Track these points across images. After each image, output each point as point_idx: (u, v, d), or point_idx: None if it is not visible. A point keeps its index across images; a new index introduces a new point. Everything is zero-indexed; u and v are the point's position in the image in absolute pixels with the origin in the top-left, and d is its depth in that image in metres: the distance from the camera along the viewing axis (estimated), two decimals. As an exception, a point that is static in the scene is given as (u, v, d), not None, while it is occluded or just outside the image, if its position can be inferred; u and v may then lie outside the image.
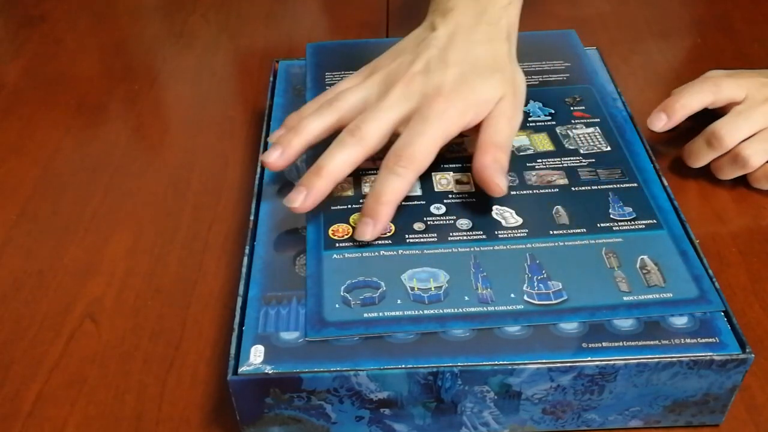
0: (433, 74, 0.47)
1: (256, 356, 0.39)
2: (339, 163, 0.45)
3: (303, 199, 0.44)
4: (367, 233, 0.44)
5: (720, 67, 0.61)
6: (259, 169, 0.51)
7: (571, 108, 0.55)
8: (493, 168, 0.45)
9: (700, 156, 0.56)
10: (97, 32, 0.80)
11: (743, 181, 0.56)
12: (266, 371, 0.38)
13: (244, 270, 0.43)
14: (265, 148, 0.52)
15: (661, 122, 0.55)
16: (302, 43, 0.64)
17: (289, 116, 0.50)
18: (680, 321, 0.40)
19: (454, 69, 0.47)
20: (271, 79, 0.60)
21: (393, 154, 0.45)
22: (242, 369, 0.38)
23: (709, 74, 0.60)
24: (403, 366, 0.38)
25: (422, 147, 0.45)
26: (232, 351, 0.39)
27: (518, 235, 0.45)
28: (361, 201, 0.47)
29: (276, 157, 0.46)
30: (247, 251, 0.44)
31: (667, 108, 0.55)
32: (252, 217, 0.47)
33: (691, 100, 0.55)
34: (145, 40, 0.78)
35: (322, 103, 0.49)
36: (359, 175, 0.49)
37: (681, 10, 0.79)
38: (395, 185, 0.44)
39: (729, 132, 0.53)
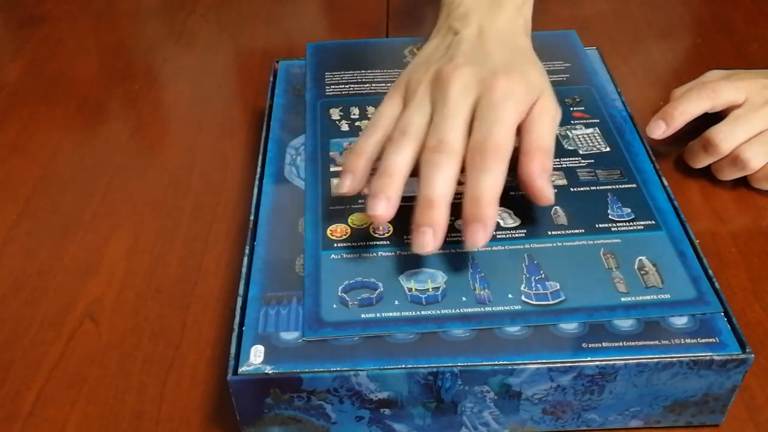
0: (479, 63, 0.45)
1: (256, 356, 0.39)
2: (444, 185, 0.41)
3: (431, 239, 0.41)
4: (481, 239, 0.41)
5: (720, 67, 0.61)
6: (259, 169, 0.51)
7: (571, 108, 0.55)
8: (543, 178, 0.43)
9: (698, 160, 0.56)
10: (97, 32, 0.80)
11: (743, 182, 0.56)
12: (266, 371, 0.38)
13: (244, 270, 0.43)
14: (266, 149, 0.53)
15: (659, 130, 0.55)
16: (302, 43, 0.64)
17: (348, 158, 0.45)
18: (680, 321, 0.40)
19: (498, 56, 0.46)
20: (271, 79, 0.60)
21: (476, 151, 0.42)
22: (242, 369, 0.38)
23: (709, 75, 0.60)
24: (403, 366, 0.38)
25: (503, 135, 0.42)
26: (232, 351, 0.39)
27: (516, 235, 0.45)
28: (360, 201, 0.47)
29: (384, 209, 0.42)
30: (247, 251, 0.44)
31: (665, 116, 0.55)
32: (252, 217, 0.47)
33: (689, 107, 0.55)
34: (145, 40, 0.78)
35: (379, 135, 0.45)
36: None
37: (681, 10, 0.79)
38: (491, 183, 0.41)
39: (725, 138, 0.53)
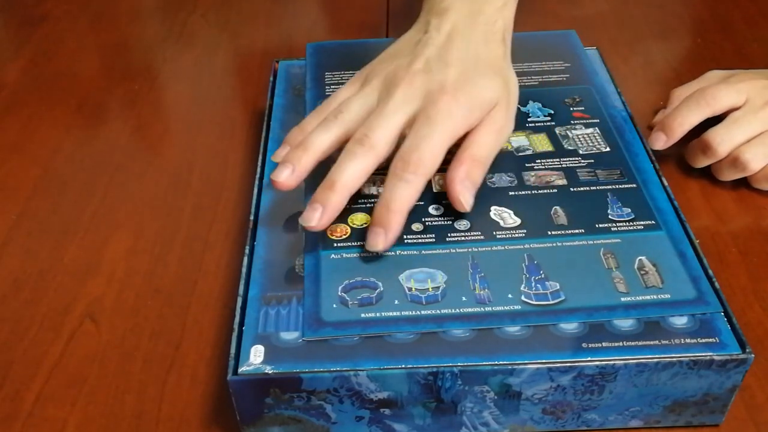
0: (434, 73, 0.46)
1: (256, 356, 0.39)
2: (351, 174, 0.43)
3: (319, 216, 0.43)
4: (380, 243, 0.42)
5: (720, 67, 0.61)
6: (259, 170, 0.51)
7: (571, 108, 0.55)
8: (463, 184, 0.44)
9: (697, 161, 0.56)
10: (97, 32, 0.80)
11: (744, 182, 0.56)
12: (266, 371, 0.38)
13: (244, 270, 0.43)
14: (266, 149, 0.53)
15: (660, 141, 0.55)
16: (302, 43, 0.64)
17: (291, 132, 0.48)
18: (680, 321, 0.40)
19: (456, 68, 0.46)
20: (271, 79, 0.60)
21: (400, 159, 0.43)
22: (242, 369, 0.38)
23: (709, 75, 0.60)
24: (403, 366, 0.38)
25: (429, 151, 0.43)
26: (232, 351, 0.39)
27: (516, 235, 0.45)
28: (359, 201, 0.47)
29: (287, 176, 0.44)
30: (247, 251, 0.44)
31: (665, 128, 0.55)
32: (252, 217, 0.47)
33: (688, 118, 0.55)
34: (145, 40, 0.78)
35: (325, 115, 0.47)
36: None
37: (681, 10, 0.79)
38: (405, 192, 0.43)
39: (722, 141, 0.53)
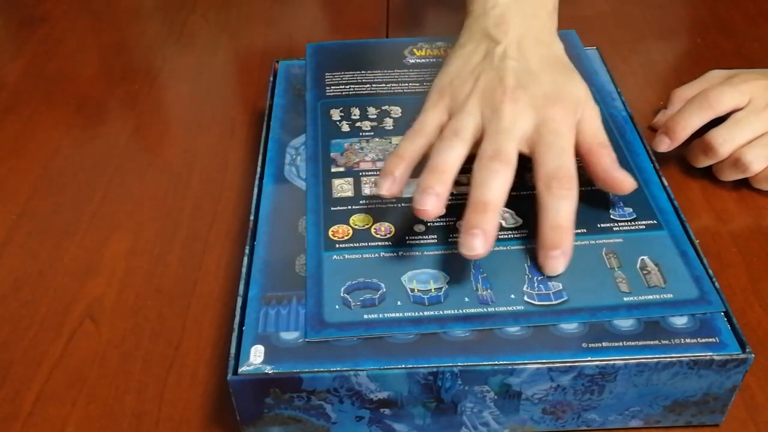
0: (529, 86, 0.46)
1: (256, 356, 0.39)
2: (499, 192, 0.43)
3: (482, 243, 0.41)
4: (561, 266, 0.42)
5: (720, 67, 0.61)
6: (259, 169, 0.51)
7: (571, 108, 0.55)
8: (616, 168, 0.45)
9: (699, 161, 0.56)
10: (97, 32, 0.80)
11: (744, 182, 0.56)
12: (266, 371, 0.38)
13: (244, 270, 0.43)
14: (266, 149, 0.52)
15: (664, 145, 0.55)
16: (302, 43, 0.64)
17: (389, 161, 0.46)
18: (680, 321, 0.40)
19: (545, 76, 0.47)
20: (271, 79, 0.60)
21: (552, 179, 0.43)
22: (242, 369, 0.38)
23: (710, 75, 0.60)
24: (403, 366, 0.38)
25: (570, 161, 0.44)
26: (232, 351, 0.39)
27: (519, 235, 0.45)
28: (361, 201, 0.47)
29: (433, 204, 0.42)
30: (247, 251, 0.44)
31: (668, 131, 0.55)
32: (252, 217, 0.47)
33: (692, 120, 0.55)
34: (145, 40, 0.78)
35: (444, 136, 0.46)
36: (360, 176, 0.49)
37: (681, 10, 0.79)
38: (570, 208, 0.43)
39: (724, 142, 0.53)
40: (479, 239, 0.41)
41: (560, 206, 0.42)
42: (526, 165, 0.50)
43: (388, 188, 0.45)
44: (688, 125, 0.55)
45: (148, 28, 0.80)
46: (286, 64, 0.62)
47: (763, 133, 0.53)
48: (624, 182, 0.45)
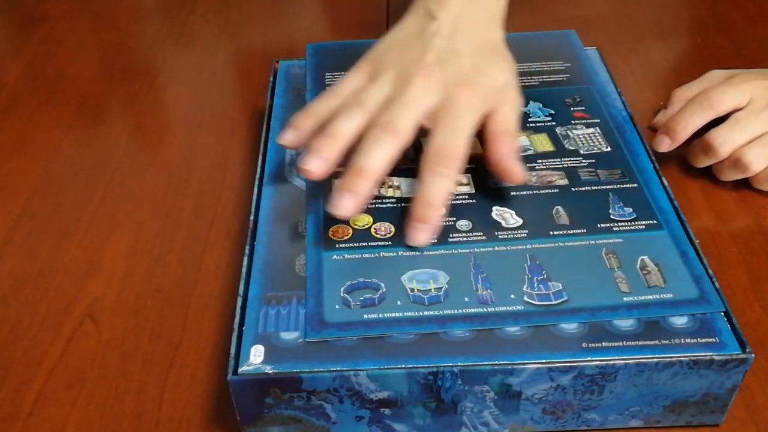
0: (448, 65, 0.47)
1: (256, 356, 0.39)
2: (379, 161, 0.44)
3: (351, 205, 0.43)
4: (423, 238, 0.44)
5: (720, 67, 0.61)
6: (259, 170, 0.51)
7: (572, 108, 0.55)
8: (511, 157, 0.46)
9: (699, 161, 0.56)
10: (97, 32, 0.80)
11: (744, 182, 0.56)
12: (266, 371, 0.38)
13: (244, 270, 0.43)
14: (266, 149, 0.53)
15: (665, 145, 0.55)
16: (302, 43, 0.64)
17: (298, 117, 0.48)
18: (680, 321, 0.40)
19: (467, 57, 0.47)
20: (271, 79, 0.60)
21: (434, 155, 0.44)
22: (242, 369, 0.38)
23: (710, 75, 0.60)
24: (403, 366, 0.38)
25: (460, 144, 0.45)
26: (232, 351, 0.39)
27: (518, 235, 0.45)
28: (361, 201, 0.47)
29: (319, 166, 0.44)
30: (247, 251, 0.44)
31: (669, 131, 0.55)
32: (252, 217, 0.47)
33: (692, 121, 0.55)
34: (145, 40, 0.78)
35: (335, 102, 0.47)
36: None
37: (681, 10, 0.79)
38: (444, 187, 0.44)
39: (724, 142, 0.53)
40: (349, 201, 0.43)
41: (435, 183, 0.44)
42: (525, 164, 0.50)
43: (289, 140, 0.47)
44: (688, 125, 0.55)
45: (148, 28, 0.80)
46: (286, 64, 0.62)
47: (763, 133, 0.53)
48: (514, 173, 0.46)
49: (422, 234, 0.44)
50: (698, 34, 0.75)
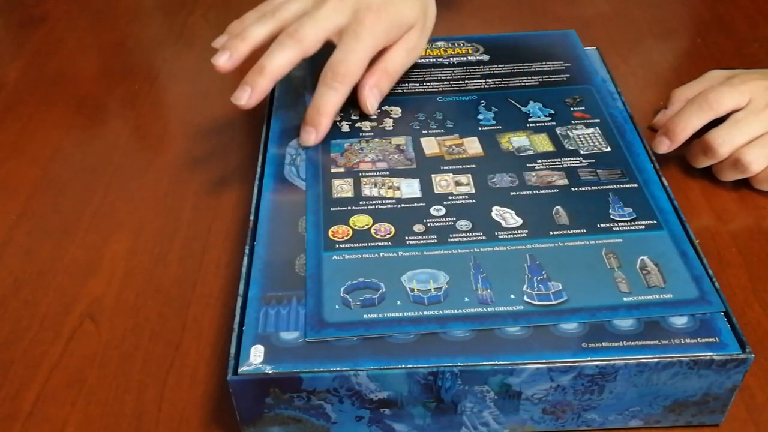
0: None
1: (256, 356, 0.39)
2: (279, 62, 0.50)
3: (248, 96, 0.50)
4: (311, 140, 0.51)
5: (720, 67, 0.61)
6: (259, 170, 0.51)
7: (571, 108, 0.55)
8: (371, 91, 0.53)
9: (698, 161, 0.56)
10: (97, 32, 0.80)
11: (744, 182, 0.56)
12: (266, 371, 0.38)
13: (244, 270, 0.43)
14: (266, 149, 0.53)
15: (664, 146, 0.55)
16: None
17: (232, 24, 0.55)
18: (680, 321, 0.40)
19: None
20: (271, 79, 0.60)
21: (330, 69, 0.51)
22: (242, 369, 0.38)
23: (710, 75, 0.60)
24: (403, 366, 0.38)
25: (354, 63, 0.51)
26: (232, 351, 0.39)
27: (518, 235, 0.45)
28: (361, 202, 0.47)
29: (225, 60, 0.51)
30: (247, 251, 0.44)
31: (668, 132, 0.55)
32: (252, 217, 0.47)
33: (691, 122, 0.55)
34: (145, 40, 0.78)
35: (263, 12, 0.53)
36: (359, 176, 0.49)
37: (681, 10, 0.79)
38: (333, 99, 0.51)
39: (724, 142, 0.53)
40: (246, 93, 0.50)
41: (326, 94, 0.51)
42: (525, 164, 0.50)
43: (220, 43, 0.54)
44: (687, 126, 0.55)
45: (148, 28, 0.80)
46: (286, 64, 0.62)
47: (763, 134, 0.53)
48: (364, 102, 0.53)
49: (310, 136, 0.51)
50: (698, 34, 0.75)
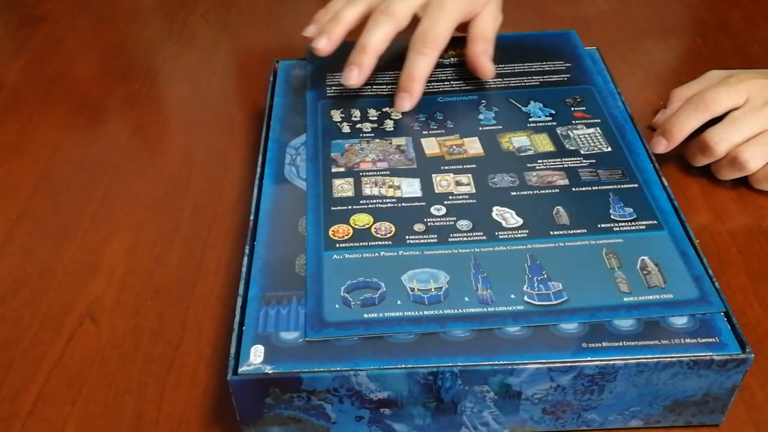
0: None
1: (256, 356, 0.39)
2: (378, 38, 0.53)
3: (357, 74, 0.53)
4: (405, 105, 0.54)
5: (720, 67, 0.61)
6: (259, 170, 0.51)
7: (572, 108, 0.55)
8: (484, 56, 0.56)
9: (696, 160, 0.56)
10: (97, 32, 0.80)
11: (744, 181, 0.56)
12: (266, 371, 0.38)
13: (244, 270, 0.43)
14: (266, 149, 0.53)
15: (662, 146, 0.56)
16: (302, 43, 0.64)
17: (318, 13, 0.58)
18: (680, 321, 0.40)
19: None
20: (271, 79, 0.60)
21: (419, 37, 0.54)
22: (242, 369, 0.38)
23: (709, 75, 0.60)
24: (403, 366, 0.38)
25: (442, 30, 0.54)
26: (232, 351, 0.39)
27: (518, 235, 0.45)
28: (361, 201, 0.47)
29: (324, 44, 0.54)
30: (247, 251, 0.44)
31: (665, 132, 0.55)
32: (252, 217, 0.47)
33: (688, 122, 0.55)
34: (145, 40, 0.78)
35: None
36: (360, 176, 0.49)
37: (681, 10, 0.79)
38: (424, 64, 0.54)
39: (721, 141, 0.53)
40: (354, 72, 0.53)
41: (417, 60, 0.54)
42: (525, 164, 0.50)
43: (312, 32, 0.56)
44: (684, 126, 0.55)
45: (148, 28, 0.80)
46: (286, 64, 0.62)
47: (760, 132, 0.53)
48: (485, 69, 0.56)
49: (404, 102, 0.54)
50: (698, 34, 0.75)
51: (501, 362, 0.38)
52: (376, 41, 0.53)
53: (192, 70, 0.73)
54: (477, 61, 0.56)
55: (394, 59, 0.60)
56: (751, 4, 0.79)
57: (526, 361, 0.38)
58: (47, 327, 0.48)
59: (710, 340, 0.39)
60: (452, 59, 0.60)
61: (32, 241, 0.54)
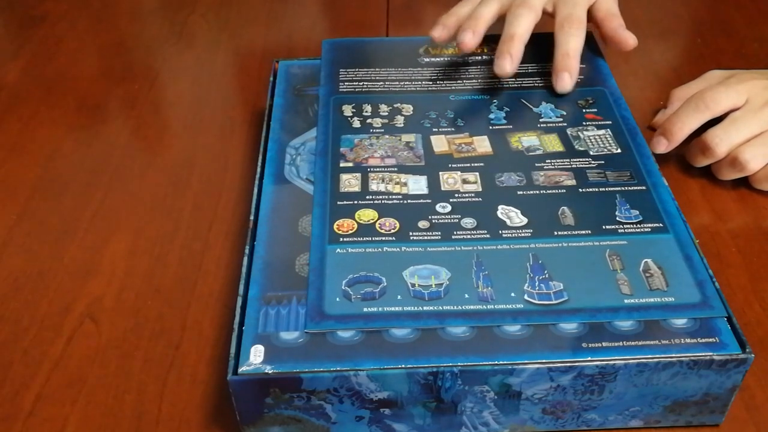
0: None
1: (256, 356, 0.39)
2: (523, 27, 0.56)
3: (510, 62, 0.55)
4: (567, 85, 0.56)
5: (720, 67, 0.61)
6: (259, 170, 0.51)
7: (584, 110, 0.55)
8: (622, 29, 0.58)
9: (697, 161, 0.56)
10: (97, 32, 0.80)
11: (744, 182, 0.56)
12: (266, 371, 0.38)
13: (244, 270, 0.43)
14: (266, 149, 0.53)
15: (662, 146, 0.56)
16: (302, 43, 0.64)
17: (444, 16, 0.60)
18: (680, 321, 0.40)
19: None
20: (271, 79, 0.60)
21: (565, 20, 0.57)
22: (242, 369, 0.38)
23: (709, 75, 0.60)
24: (403, 366, 0.38)
25: (582, 12, 0.58)
26: (232, 351, 0.39)
27: (522, 235, 0.45)
28: (367, 197, 0.47)
29: (470, 38, 0.56)
30: (247, 251, 0.44)
31: (665, 132, 0.55)
32: (252, 217, 0.47)
33: (688, 122, 0.55)
34: (145, 40, 0.78)
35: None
36: (367, 172, 0.49)
37: (681, 10, 0.79)
38: (577, 42, 0.57)
39: (721, 141, 0.53)
40: (507, 60, 0.55)
41: (569, 40, 0.56)
42: (533, 164, 0.50)
43: (438, 33, 0.59)
44: (684, 126, 0.55)
45: (148, 28, 0.80)
46: (286, 64, 0.62)
47: (761, 132, 0.53)
48: (629, 39, 0.58)
49: (566, 80, 0.56)
50: (698, 34, 0.75)
51: (501, 362, 0.38)
52: (522, 29, 0.56)
53: (192, 70, 0.73)
54: (617, 35, 0.58)
55: (402, 59, 0.60)
56: (751, 4, 0.79)
57: (526, 361, 0.38)
58: (47, 327, 0.48)
59: (710, 340, 0.39)
60: (467, 58, 0.60)
61: (32, 241, 0.54)
